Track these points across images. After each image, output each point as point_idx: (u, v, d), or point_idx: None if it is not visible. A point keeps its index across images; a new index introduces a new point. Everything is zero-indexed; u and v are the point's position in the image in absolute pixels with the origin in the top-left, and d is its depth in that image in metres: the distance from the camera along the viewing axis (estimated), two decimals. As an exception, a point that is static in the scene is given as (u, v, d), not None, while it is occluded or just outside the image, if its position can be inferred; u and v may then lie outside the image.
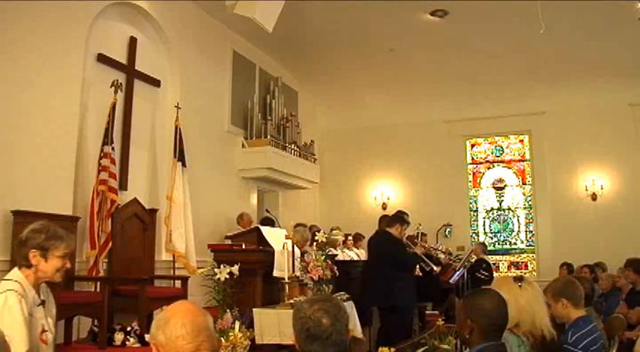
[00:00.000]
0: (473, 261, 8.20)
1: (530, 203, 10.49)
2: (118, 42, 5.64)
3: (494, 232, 10.69)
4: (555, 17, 6.23)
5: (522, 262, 10.48)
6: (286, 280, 4.62)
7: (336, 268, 5.23)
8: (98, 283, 4.61)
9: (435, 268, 6.30)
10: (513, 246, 10.56)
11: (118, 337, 4.31)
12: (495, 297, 2.16)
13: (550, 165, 10.15)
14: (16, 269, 2.35)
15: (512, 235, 10.58)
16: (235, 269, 4.59)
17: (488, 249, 10.47)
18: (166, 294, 4.92)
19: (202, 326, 1.48)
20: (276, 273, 4.91)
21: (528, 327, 2.43)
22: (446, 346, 4.47)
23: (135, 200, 5.35)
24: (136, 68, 5.77)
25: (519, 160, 10.73)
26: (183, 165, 5.83)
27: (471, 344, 2.12)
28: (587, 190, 9.86)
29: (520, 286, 2.52)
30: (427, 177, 10.58)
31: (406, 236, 6.32)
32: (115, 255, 4.93)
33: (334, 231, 7.09)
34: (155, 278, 5.35)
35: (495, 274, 9.44)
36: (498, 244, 10.66)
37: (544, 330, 2.46)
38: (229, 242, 5.47)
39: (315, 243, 5.19)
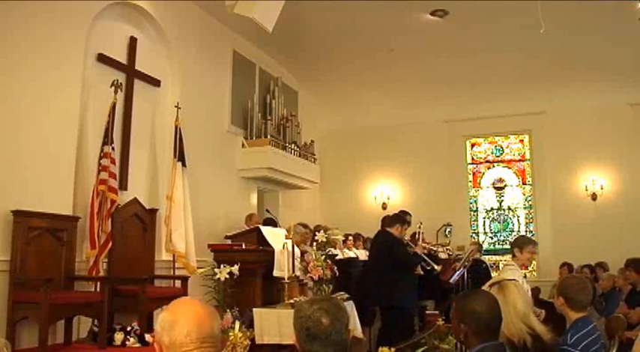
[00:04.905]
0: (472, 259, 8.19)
1: (530, 203, 10.49)
2: (118, 42, 5.62)
3: (495, 232, 10.69)
4: (555, 17, 6.22)
5: (522, 262, 10.46)
6: (286, 280, 4.62)
7: (335, 268, 5.24)
8: (98, 283, 4.60)
9: (435, 267, 6.30)
10: (513, 246, 10.54)
11: (118, 337, 4.30)
12: (486, 299, 2.15)
13: (550, 165, 10.14)
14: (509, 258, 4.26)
15: (512, 235, 10.55)
16: (235, 269, 4.60)
17: (489, 248, 10.51)
18: (166, 294, 4.88)
19: (207, 333, 1.46)
20: (276, 273, 4.90)
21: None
22: (446, 346, 4.48)
23: (135, 200, 5.33)
24: (136, 68, 5.75)
25: (519, 160, 10.73)
26: (184, 165, 5.81)
27: (469, 346, 2.12)
28: (587, 190, 9.85)
29: (490, 289, 2.48)
30: (427, 177, 10.57)
31: (407, 236, 6.32)
32: (115, 254, 4.91)
33: (329, 231, 7.04)
34: (155, 278, 5.34)
35: (494, 273, 9.44)
36: (498, 244, 10.66)
37: (514, 338, 2.41)
38: (229, 242, 5.46)
39: (315, 243, 5.20)
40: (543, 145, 10.26)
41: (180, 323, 1.45)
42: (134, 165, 5.62)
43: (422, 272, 6.05)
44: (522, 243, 4.15)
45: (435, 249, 7.74)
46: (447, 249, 8.14)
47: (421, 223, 6.81)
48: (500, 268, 3.88)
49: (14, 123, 4.35)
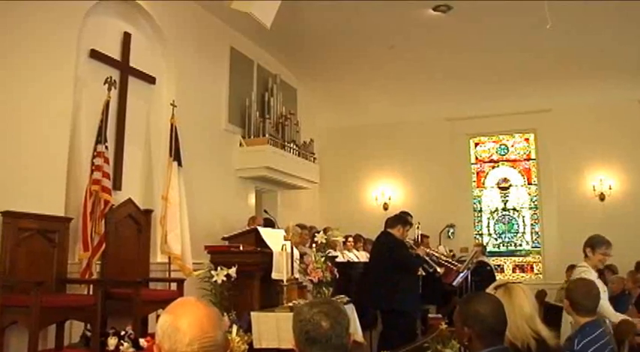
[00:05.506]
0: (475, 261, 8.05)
1: (535, 203, 10.34)
2: (112, 38, 5.52)
3: (499, 233, 10.55)
4: (561, 14, 6.12)
5: (528, 264, 10.32)
6: (285, 282, 4.54)
7: (335, 270, 5.15)
8: (91, 286, 4.52)
9: (438, 269, 6.18)
10: (518, 248, 10.41)
11: (112, 341, 4.22)
12: (490, 301, 2.11)
13: (556, 165, 9.99)
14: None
15: (518, 236, 10.42)
16: (232, 271, 4.54)
17: (493, 250, 10.36)
18: (161, 297, 4.82)
19: (210, 342, 1.40)
20: (274, 275, 4.83)
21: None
22: (449, 350, 4.35)
23: (129, 200, 5.25)
24: (131, 65, 5.66)
25: (525, 159, 10.59)
26: (179, 164, 5.71)
27: (473, 351, 2.08)
28: (594, 190, 9.70)
29: (495, 291, 2.43)
30: (430, 176, 10.44)
31: (410, 238, 6.19)
32: (108, 257, 4.82)
33: (329, 232, 6.95)
34: (150, 281, 5.25)
35: (499, 276, 9.29)
36: (503, 245, 10.52)
37: (517, 342, 2.34)
38: (226, 243, 5.36)
39: (314, 244, 5.12)
40: (549, 144, 10.12)
41: (182, 331, 1.39)
42: (128, 165, 5.53)
43: (423, 273, 5.94)
44: (595, 243, 3.96)
45: (437, 257, 7.60)
46: (452, 256, 7.98)
47: (419, 223, 6.66)
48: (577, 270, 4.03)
49: (4, 123, 4.27)
